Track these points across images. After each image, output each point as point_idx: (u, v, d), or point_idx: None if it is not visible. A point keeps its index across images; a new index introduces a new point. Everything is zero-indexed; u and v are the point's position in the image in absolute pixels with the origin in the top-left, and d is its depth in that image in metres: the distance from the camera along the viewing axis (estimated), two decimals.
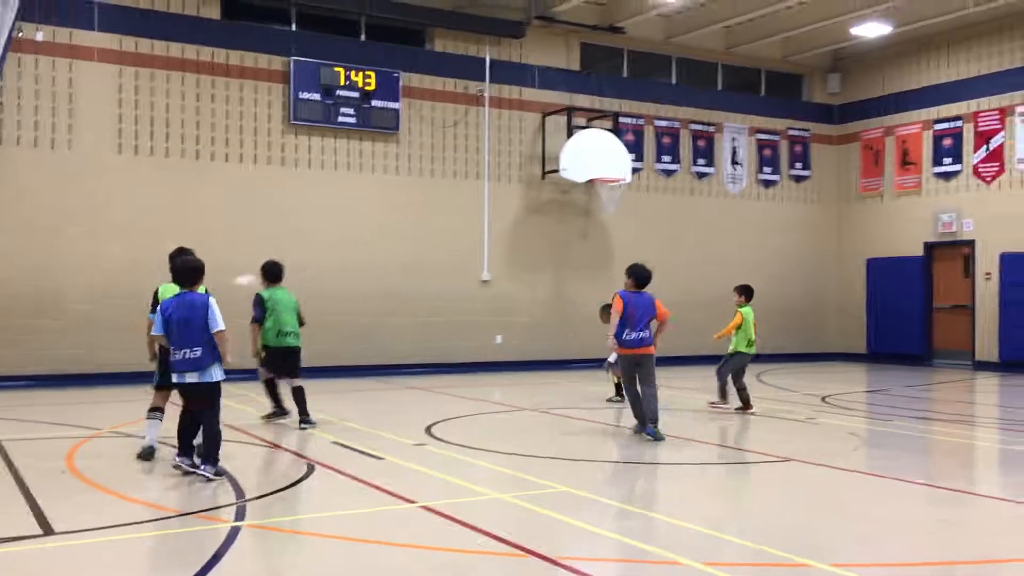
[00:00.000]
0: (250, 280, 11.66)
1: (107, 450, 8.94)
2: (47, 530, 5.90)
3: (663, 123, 20.40)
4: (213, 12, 16.26)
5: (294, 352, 10.51)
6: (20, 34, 14.36)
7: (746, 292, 12.09)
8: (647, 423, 9.70)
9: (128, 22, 15.44)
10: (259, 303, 10.45)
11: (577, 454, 8.92)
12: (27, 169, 14.68)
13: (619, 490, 7.80)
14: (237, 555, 5.41)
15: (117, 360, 14.66)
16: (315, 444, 9.34)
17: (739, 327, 11.85)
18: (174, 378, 7.55)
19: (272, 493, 7.22)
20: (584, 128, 18.81)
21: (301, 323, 10.68)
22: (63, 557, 5.44)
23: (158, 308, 7.75)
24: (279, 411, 10.77)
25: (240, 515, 6.32)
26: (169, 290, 8.16)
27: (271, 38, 16.80)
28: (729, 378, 11.96)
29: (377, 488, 7.21)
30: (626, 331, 9.71)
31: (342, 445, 9.15)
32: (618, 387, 12.86)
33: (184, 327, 7.41)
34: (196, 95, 16.01)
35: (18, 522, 6.10)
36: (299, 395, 10.36)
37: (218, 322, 7.45)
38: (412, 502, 6.77)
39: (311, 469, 7.98)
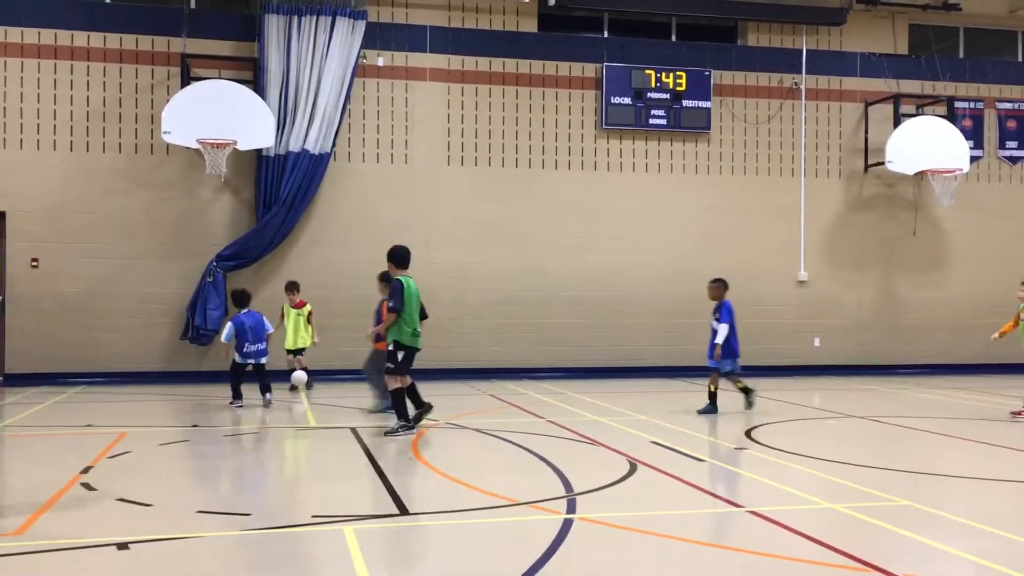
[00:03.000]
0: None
1: (444, 440, 9.62)
2: (403, 510, 6.48)
3: (1007, 105, 18.47)
4: (530, 26, 17.01)
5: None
6: (364, 60, 15.92)
7: None
8: None
9: (455, 42, 16.58)
10: (399, 291, 9.46)
11: (912, 465, 8.31)
12: (369, 183, 16.22)
13: (964, 505, 7.15)
14: (573, 546, 5.61)
15: (444, 357, 15.73)
16: (634, 443, 9.46)
17: None
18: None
19: (599, 489, 7.40)
20: (913, 116, 17.49)
21: (423, 317, 9.87)
22: (419, 535, 5.95)
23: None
24: (426, 406, 9.85)
25: (571, 508, 6.55)
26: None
27: (584, 46, 17.28)
28: None
29: (701, 490, 7.16)
30: None
31: (661, 445, 9.19)
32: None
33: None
34: (515, 106, 16.85)
35: (378, 502, 6.75)
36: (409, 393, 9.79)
37: None
38: (739, 506, 6.65)
39: (633, 468, 8.09)
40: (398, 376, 9.62)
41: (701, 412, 11.56)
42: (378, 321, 11.14)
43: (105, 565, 5.15)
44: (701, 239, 17.30)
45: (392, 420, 9.91)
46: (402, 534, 5.99)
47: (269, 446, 9.78)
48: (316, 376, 14.48)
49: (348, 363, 15.04)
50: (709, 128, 17.39)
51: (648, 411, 11.48)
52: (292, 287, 13.95)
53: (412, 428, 9.64)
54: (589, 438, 9.71)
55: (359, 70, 15.87)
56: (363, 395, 12.68)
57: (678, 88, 17.24)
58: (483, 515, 6.42)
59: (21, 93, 15.07)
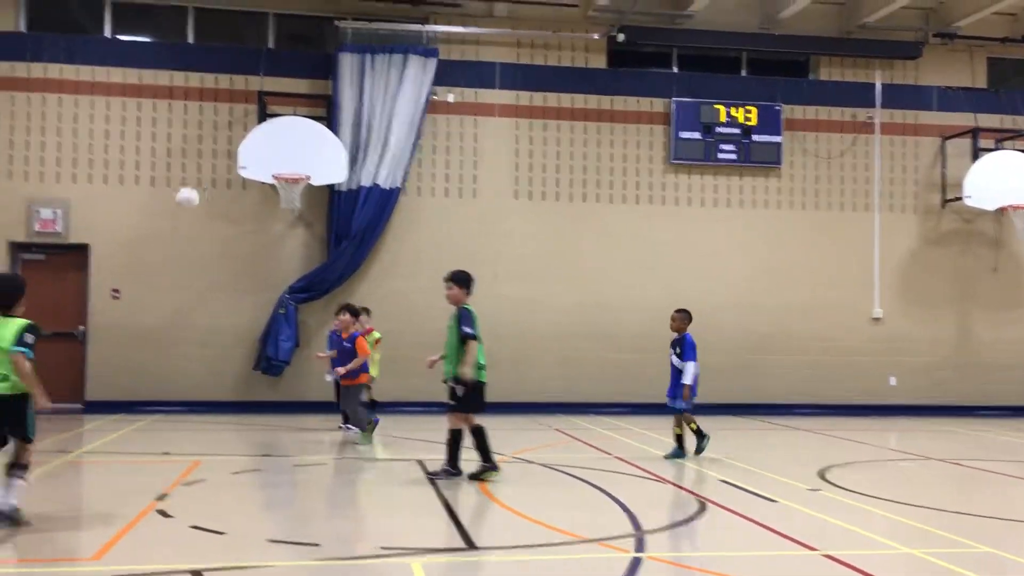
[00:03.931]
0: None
1: (510, 474, 9.58)
2: (470, 544, 6.46)
3: None
4: (598, 62, 17.10)
5: None
6: (435, 97, 16.18)
7: None
8: None
9: (523, 78, 16.74)
10: (471, 319, 8.86)
11: (994, 511, 8.00)
12: (438, 217, 16.40)
13: None
14: None
15: (509, 391, 15.66)
16: (704, 481, 9.31)
17: None
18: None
19: (668, 527, 7.29)
20: (992, 151, 17.07)
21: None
22: (486, 571, 5.92)
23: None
24: (491, 466, 8.96)
25: (640, 546, 6.46)
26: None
27: (652, 81, 17.29)
28: None
29: (774, 531, 7.00)
30: None
31: (732, 484, 9.02)
32: None
33: None
34: (583, 140, 16.91)
35: (445, 535, 6.75)
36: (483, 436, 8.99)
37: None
38: (813, 549, 6.48)
39: (703, 506, 7.95)
40: (469, 416, 8.86)
41: (669, 457, 10.59)
42: (349, 360, 11.38)
43: None
44: (770, 274, 17.07)
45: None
46: (469, 569, 5.97)
47: (338, 477, 9.86)
48: (385, 408, 14.61)
49: (417, 396, 15.16)
50: (779, 163, 17.21)
51: (716, 448, 11.28)
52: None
53: (497, 470, 8.92)
54: (656, 475, 9.59)
55: (430, 106, 16.13)
56: (431, 427, 12.73)
57: (748, 122, 17.12)
58: (550, 551, 6.36)
59: (106, 131, 15.65)
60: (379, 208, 15.81)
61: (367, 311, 13.53)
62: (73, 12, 16.09)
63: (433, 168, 16.49)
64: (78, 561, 5.91)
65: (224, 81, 15.97)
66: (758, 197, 17.31)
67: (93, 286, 15.53)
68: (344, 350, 11.67)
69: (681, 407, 10.63)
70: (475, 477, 8.79)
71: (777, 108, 17.20)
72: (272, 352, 15.36)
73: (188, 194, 11.19)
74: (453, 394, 8.86)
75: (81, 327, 15.51)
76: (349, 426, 12.36)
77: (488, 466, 8.85)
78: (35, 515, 6.78)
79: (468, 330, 8.73)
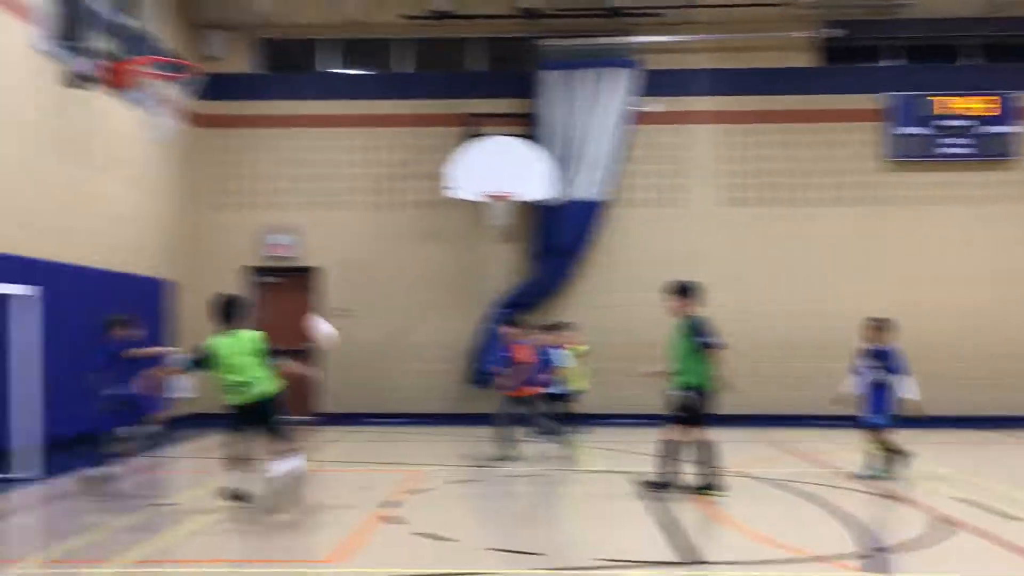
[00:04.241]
0: None
1: (730, 489, 9.36)
2: (688, 559, 6.38)
3: None
4: (806, 60, 16.49)
5: None
6: (639, 108, 16.16)
7: None
8: None
9: (728, 83, 16.41)
10: (707, 328, 8.71)
11: None
12: (646, 228, 16.34)
13: None
14: None
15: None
16: (937, 499, 8.71)
17: None
18: None
19: (899, 546, 6.88)
20: None
21: None
22: None
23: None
24: (716, 484, 8.66)
25: (873, 566, 6.15)
26: None
27: (865, 76, 16.49)
28: None
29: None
30: None
31: (970, 502, 8.39)
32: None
33: None
34: (791, 143, 16.35)
35: (662, 549, 6.71)
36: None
37: None
38: None
39: (941, 526, 7.44)
40: (697, 430, 8.55)
41: (872, 474, 9.63)
42: (506, 365, 11.20)
43: None
44: (1007, 277, 15.76)
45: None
46: None
47: (552, 488, 10.00)
48: (595, 420, 14.70)
49: (627, 408, 15.15)
50: (1014, 155, 15.90)
51: (950, 463, 10.54)
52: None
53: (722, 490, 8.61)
54: (883, 491, 9.07)
55: (634, 117, 16.15)
56: (642, 439, 12.67)
57: (976, 113, 15.95)
58: (773, 568, 6.18)
59: (331, 159, 16.75)
60: (585, 222, 15.97)
61: (569, 325, 13.59)
62: (299, 52, 17.35)
63: (639, 179, 16.46)
64: (315, 563, 6.34)
65: (434, 106, 16.67)
66: (990, 193, 16.05)
67: (323, 305, 16.62)
68: (506, 360, 11.57)
69: (881, 423, 9.75)
70: (697, 491, 8.59)
71: (1009, 97, 15.91)
72: (484, 366, 15.82)
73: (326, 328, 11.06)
74: (682, 405, 8.59)
75: (312, 345, 16.61)
76: (545, 437, 12.58)
77: (713, 483, 8.59)
78: (275, 519, 7.34)
79: (711, 340, 8.54)
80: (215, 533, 7.34)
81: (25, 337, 9.70)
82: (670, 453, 8.66)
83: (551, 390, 12.60)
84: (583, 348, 13.53)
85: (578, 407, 13.40)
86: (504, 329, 11.67)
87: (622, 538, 7.12)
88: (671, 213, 16.39)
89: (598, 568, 6.09)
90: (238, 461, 7.93)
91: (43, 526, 7.81)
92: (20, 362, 9.71)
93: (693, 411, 8.55)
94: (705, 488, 8.60)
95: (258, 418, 7.80)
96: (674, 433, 8.65)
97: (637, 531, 7.35)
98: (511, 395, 11.36)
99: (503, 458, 10.93)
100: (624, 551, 6.53)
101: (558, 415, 12.89)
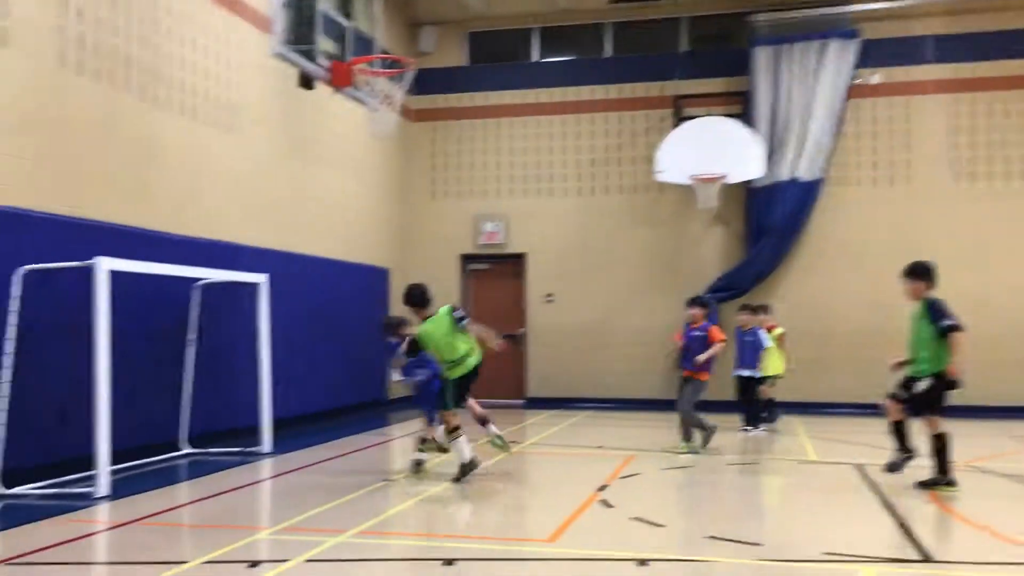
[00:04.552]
0: None
1: (965, 484, 8.69)
2: (925, 556, 5.95)
3: None
4: None
5: None
6: (858, 80, 15.26)
7: None
8: None
9: (960, 48, 15.19)
10: (946, 308, 8.08)
11: None
12: (865, 207, 15.44)
13: None
14: None
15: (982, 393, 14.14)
16: None
17: None
18: None
19: None
20: None
21: None
22: None
23: None
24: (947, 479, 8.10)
25: None
26: None
27: None
28: None
29: None
30: None
31: None
32: None
33: None
34: None
35: (895, 545, 6.29)
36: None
37: None
38: None
39: None
40: (934, 419, 8.02)
41: None
42: (700, 350, 10.50)
43: None
44: None
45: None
46: None
47: (771, 477, 9.65)
48: (809, 409, 14.05)
49: (844, 396, 14.45)
50: None
51: None
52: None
53: (955, 485, 8.01)
54: None
55: (852, 90, 15.28)
56: (862, 429, 12.02)
57: None
58: (1019, 571, 5.65)
59: (539, 147, 16.94)
60: (799, 202, 15.30)
61: (765, 308, 13.03)
62: (506, 43, 17.65)
63: (858, 156, 15.58)
64: (535, 542, 6.42)
65: (640, 90, 16.50)
66: None
67: (530, 291, 16.88)
68: (693, 339, 10.84)
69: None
70: (926, 486, 8.07)
71: None
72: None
73: None
74: (915, 392, 8.03)
75: (522, 329, 16.92)
76: (748, 427, 12.21)
77: (943, 478, 8.03)
78: (495, 500, 7.50)
79: (949, 322, 7.87)
80: (434, 508, 7.60)
81: (257, 322, 10.44)
82: (940, 450, 8.02)
83: (754, 374, 12.30)
84: (779, 331, 12.99)
85: (778, 393, 12.89)
86: (694, 311, 10.95)
87: (849, 532, 6.73)
88: (893, 191, 15.40)
89: (826, 562, 5.79)
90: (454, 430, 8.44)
91: (279, 497, 8.37)
92: (253, 345, 10.46)
93: (932, 399, 7.97)
94: (935, 482, 8.03)
95: (469, 387, 8.67)
96: (930, 424, 8.03)
97: (866, 526, 6.95)
98: (700, 379, 10.79)
99: (704, 441, 10.67)
100: (852, 546, 6.17)
101: (764, 402, 12.50)
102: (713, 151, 14.52)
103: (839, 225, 15.52)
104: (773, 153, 15.28)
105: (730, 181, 14.73)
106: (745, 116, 15.47)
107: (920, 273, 8.30)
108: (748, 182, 15.27)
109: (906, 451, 8.26)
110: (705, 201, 14.73)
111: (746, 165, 14.59)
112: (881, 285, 15.26)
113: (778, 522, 7.60)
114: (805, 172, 15.23)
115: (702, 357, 10.50)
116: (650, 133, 16.32)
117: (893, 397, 8.24)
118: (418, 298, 8.83)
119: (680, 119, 15.67)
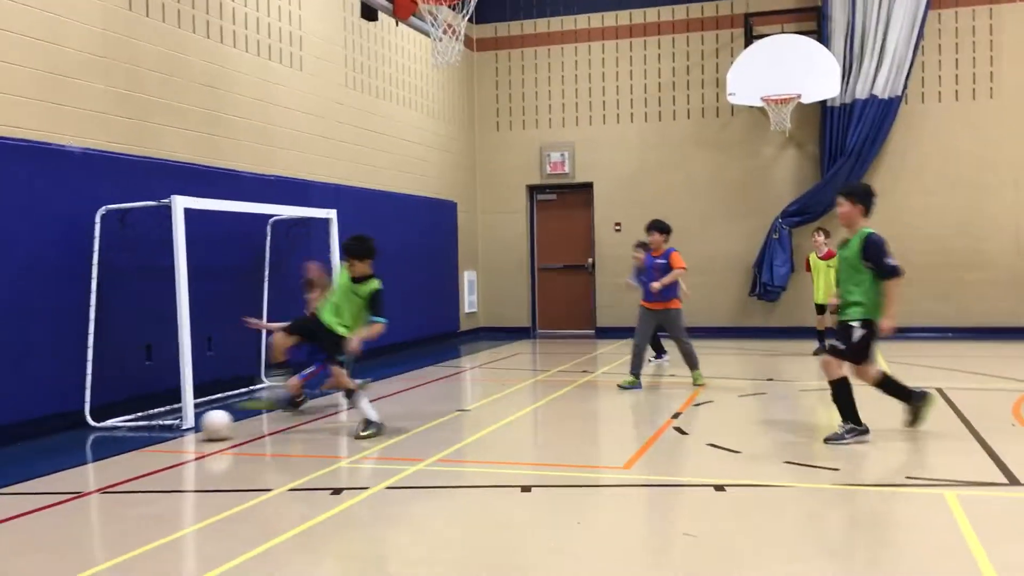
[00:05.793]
0: None
1: None
2: (1012, 480, 5.82)
3: None
4: None
5: None
6: None
7: None
8: None
9: None
10: (884, 246, 7.03)
11: None
12: (946, 124, 14.86)
13: None
14: None
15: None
16: None
17: None
18: None
19: None
20: None
21: None
22: None
23: None
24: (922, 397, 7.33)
25: None
26: None
27: None
28: None
29: None
30: None
31: None
32: None
33: None
34: None
35: (980, 468, 6.16)
36: None
37: None
38: None
39: None
40: (866, 363, 7.00)
41: None
42: (653, 278, 9.71)
43: (709, 502, 5.44)
44: None
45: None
46: (1014, 505, 5.37)
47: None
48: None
49: (926, 320, 14.12)
50: None
51: None
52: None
53: (865, 433, 7.01)
54: None
55: (932, 2, 14.58)
56: (942, 354, 11.73)
57: None
58: None
59: (603, 73, 16.61)
60: (877, 121, 14.78)
61: (824, 231, 12.59)
62: None
63: (939, 70, 14.94)
64: (612, 469, 6.45)
65: (710, 9, 16.00)
66: None
67: (598, 221, 16.72)
68: (655, 267, 10.07)
69: None
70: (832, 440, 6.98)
71: None
72: (767, 278, 15.28)
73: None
74: (844, 337, 6.93)
75: (590, 259, 16.83)
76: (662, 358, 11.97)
77: (859, 426, 6.95)
78: (570, 428, 7.54)
79: (892, 262, 6.80)
80: (510, 436, 7.68)
81: (328, 256, 10.56)
82: (841, 393, 7.03)
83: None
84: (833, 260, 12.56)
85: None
86: (654, 237, 10.09)
87: (933, 456, 6.62)
88: (978, 106, 14.75)
89: (906, 486, 5.70)
90: None
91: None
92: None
93: (855, 344, 6.91)
94: (843, 434, 6.97)
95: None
96: (836, 369, 7.02)
97: (950, 449, 6.80)
98: (672, 307, 9.97)
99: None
100: (937, 470, 6.06)
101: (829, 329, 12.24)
102: (786, 71, 14.04)
103: (919, 144, 14.98)
104: (849, 70, 14.74)
105: (804, 101, 14.27)
106: (819, 32, 14.92)
107: (859, 195, 7.07)
108: (823, 102, 14.79)
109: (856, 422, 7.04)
110: (778, 123, 14.32)
111: (820, 84, 14.08)
112: (964, 207, 14.78)
113: (857, 447, 7.49)
114: (883, 90, 14.67)
115: (656, 284, 9.63)
116: (720, 54, 15.86)
117: (832, 351, 7.02)
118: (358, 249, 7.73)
119: (751, 38, 15.17)
